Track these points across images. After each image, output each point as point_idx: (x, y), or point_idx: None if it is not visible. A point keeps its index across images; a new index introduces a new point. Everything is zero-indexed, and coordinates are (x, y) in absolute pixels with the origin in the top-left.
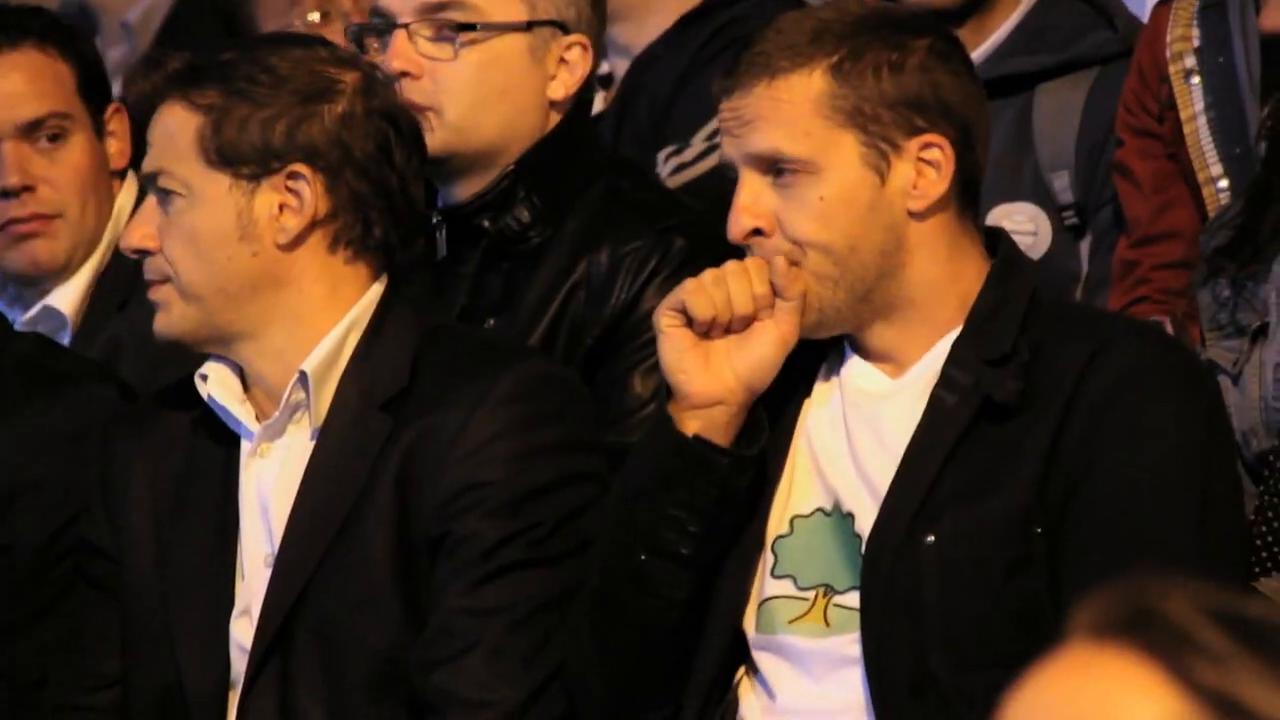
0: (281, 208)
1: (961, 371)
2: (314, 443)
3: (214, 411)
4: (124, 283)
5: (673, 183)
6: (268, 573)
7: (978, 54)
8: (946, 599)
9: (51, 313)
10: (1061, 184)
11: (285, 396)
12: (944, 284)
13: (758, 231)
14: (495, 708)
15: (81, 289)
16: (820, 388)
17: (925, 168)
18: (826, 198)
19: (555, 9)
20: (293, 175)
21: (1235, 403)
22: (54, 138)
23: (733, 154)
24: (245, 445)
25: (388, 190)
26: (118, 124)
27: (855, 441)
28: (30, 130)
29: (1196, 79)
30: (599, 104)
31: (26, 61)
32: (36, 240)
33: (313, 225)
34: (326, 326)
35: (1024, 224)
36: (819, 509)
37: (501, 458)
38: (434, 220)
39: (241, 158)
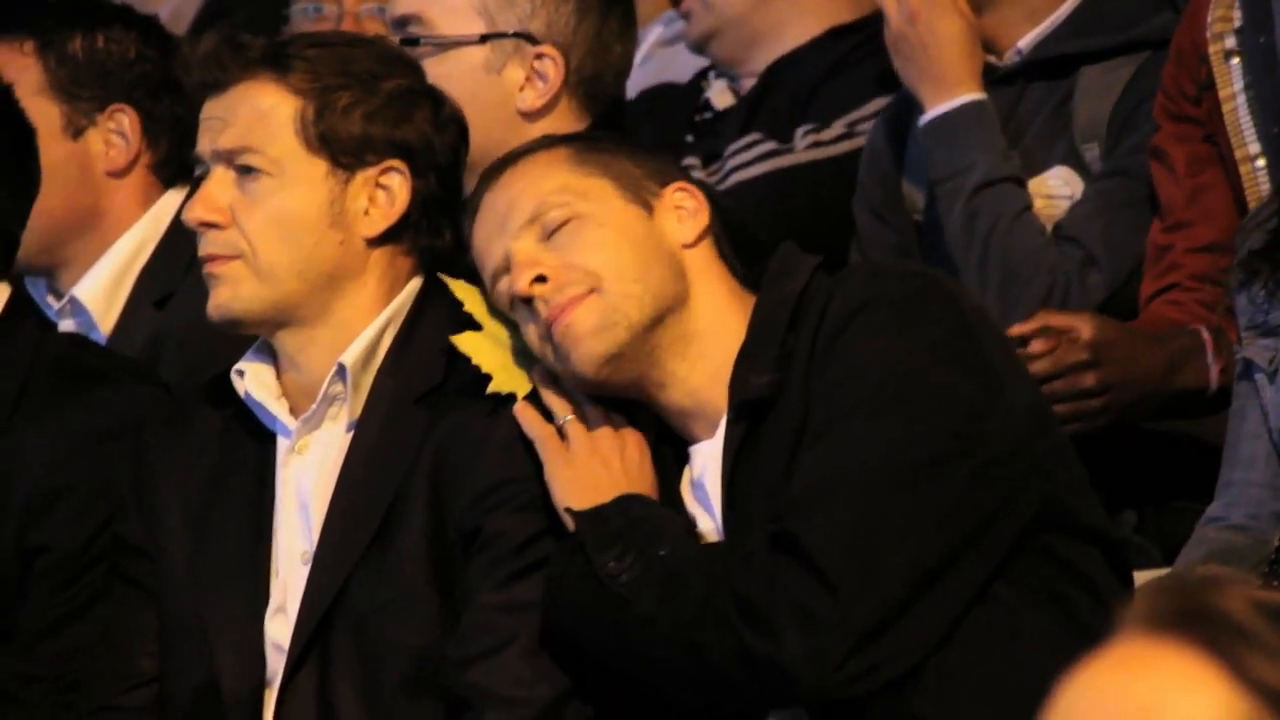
0: (370, 202)
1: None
2: (350, 435)
3: (248, 408)
4: (163, 280)
5: (805, 157)
6: (305, 570)
7: (1037, 32)
8: None
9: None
10: (1092, 155)
11: (323, 389)
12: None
13: None
14: (531, 704)
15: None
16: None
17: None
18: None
19: (518, 20)
20: (387, 171)
21: (1272, 400)
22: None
23: None
24: (283, 443)
25: (456, 199)
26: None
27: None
28: None
29: (1236, 59)
30: (728, 98)
31: None
32: None
33: (396, 225)
34: (368, 321)
35: (1059, 187)
36: None
37: (533, 453)
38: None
39: (342, 145)
